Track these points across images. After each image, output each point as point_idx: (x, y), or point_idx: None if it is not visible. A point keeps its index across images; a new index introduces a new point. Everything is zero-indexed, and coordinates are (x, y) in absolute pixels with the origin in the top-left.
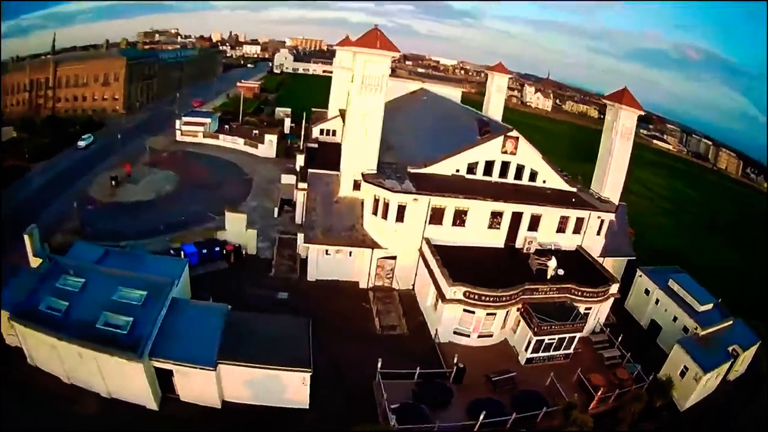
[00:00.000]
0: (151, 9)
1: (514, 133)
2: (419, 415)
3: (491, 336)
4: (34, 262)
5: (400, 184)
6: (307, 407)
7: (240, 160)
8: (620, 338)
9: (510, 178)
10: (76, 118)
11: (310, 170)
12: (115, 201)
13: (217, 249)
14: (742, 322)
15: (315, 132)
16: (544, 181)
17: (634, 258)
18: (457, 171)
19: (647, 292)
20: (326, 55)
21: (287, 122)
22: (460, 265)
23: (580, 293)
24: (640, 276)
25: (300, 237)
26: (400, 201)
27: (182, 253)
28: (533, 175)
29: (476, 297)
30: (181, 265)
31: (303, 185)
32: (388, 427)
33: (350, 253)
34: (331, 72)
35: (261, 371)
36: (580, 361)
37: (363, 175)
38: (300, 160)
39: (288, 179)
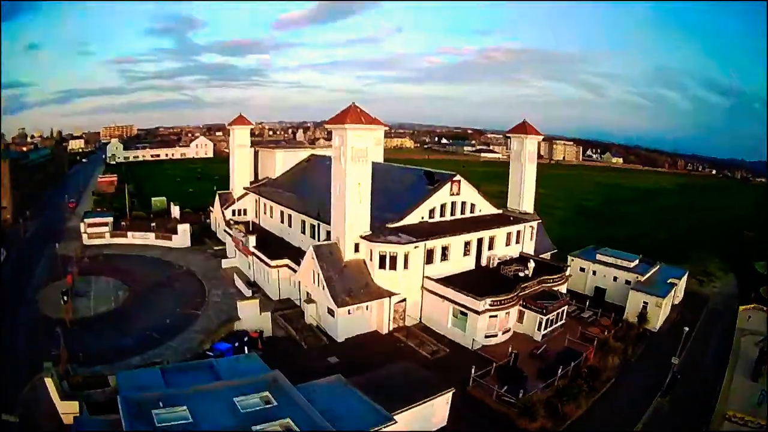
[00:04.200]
0: None
1: (458, 177)
2: (522, 385)
3: (509, 330)
4: (65, 407)
5: (397, 237)
6: (445, 423)
7: (162, 254)
8: (587, 302)
9: (458, 214)
10: None
11: (315, 243)
12: (80, 317)
13: (246, 339)
14: (665, 265)
15: (228, 213)
16: (480, 210)
17: (556, 250)
18: (422, 218)
19: (582, 269)
20: (143, 141)
21: (176, 210)
22: (463, 288)
23: (552, 281)
24: (572, 260)
25: (307, 307)
26: (406, 251)
27: (215, 352)
28: (472, 207)
29: (498, 303)
30: (256, 358)
31: (277, 262)
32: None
33: (367, 307)
34: (158, 156)
35: (420, 407)
36: (571, 324)
37: (363, 237)
38: (252, 240)
39: (228, 263)
